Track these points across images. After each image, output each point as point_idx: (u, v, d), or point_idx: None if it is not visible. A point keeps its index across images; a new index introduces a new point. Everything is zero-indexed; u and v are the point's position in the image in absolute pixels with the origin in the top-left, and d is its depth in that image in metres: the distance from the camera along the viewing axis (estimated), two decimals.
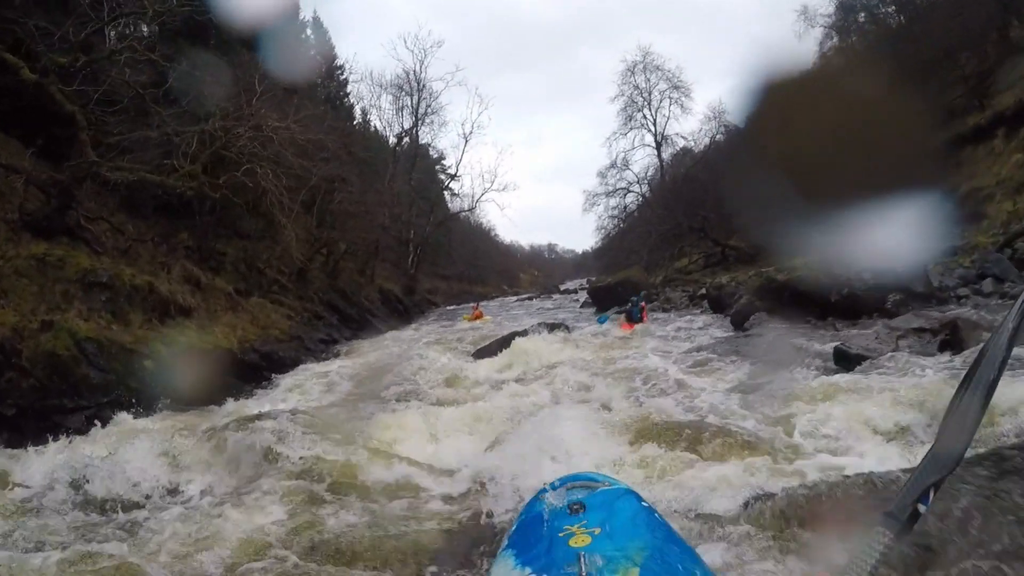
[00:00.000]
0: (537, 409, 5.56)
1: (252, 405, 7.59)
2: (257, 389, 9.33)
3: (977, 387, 0.82)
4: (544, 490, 1.54)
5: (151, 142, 10.98)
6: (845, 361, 6.05)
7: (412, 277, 30.03)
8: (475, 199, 36.26)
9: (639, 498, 1.47)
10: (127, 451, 4.50)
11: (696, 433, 4.15)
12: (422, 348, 13.00)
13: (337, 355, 14.00)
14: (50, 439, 6.49)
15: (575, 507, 1.35)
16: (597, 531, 1.22)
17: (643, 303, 14.71)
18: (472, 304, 27.07)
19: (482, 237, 59.96)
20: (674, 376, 6.45)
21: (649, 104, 39.81)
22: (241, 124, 11.14)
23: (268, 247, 17.85)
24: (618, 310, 17.73)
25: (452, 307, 32.98)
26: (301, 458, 4.33)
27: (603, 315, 17.85)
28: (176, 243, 14.36)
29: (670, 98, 39.03)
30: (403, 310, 25.44)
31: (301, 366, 11.86)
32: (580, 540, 1.19)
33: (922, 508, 0.82)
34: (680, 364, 7.65)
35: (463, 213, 41.05)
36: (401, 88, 32.01)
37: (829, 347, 6.74)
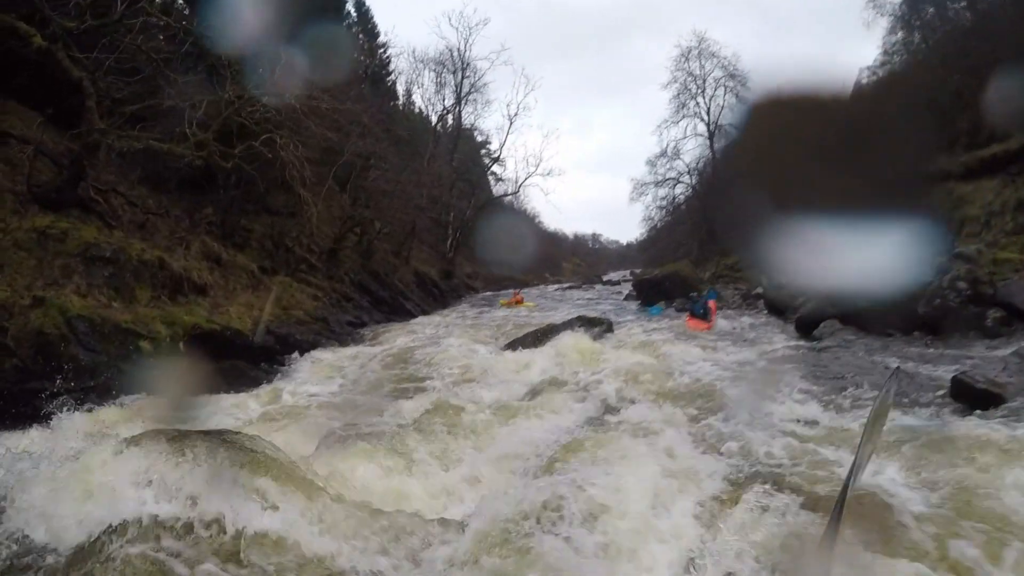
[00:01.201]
0: (561, 455, 3.98)
1: (230, 408, 6.72)
2: (250, 386, 8.45)
3: None
4: None
5: (168, 111, 10.24)
6: (970, 398, 4.66)
7: (450, 261, 29.16)
8: (518, 183, 35.05)
9: None
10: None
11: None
12: (449, 336, 12.09)
13: (361, 340, 13.22)
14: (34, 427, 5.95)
15: None
16: None
17: (711, 300, 12.91)
18: (513, 290, 26.18)
19: (526, 223, 58.66)
20: (750, 402, 5.13)
21: (703, 92, 37.50)
22: (260, 90, 10.29)
23: (298, 224, 17.19)
24: (678, 305, 16.38)
25: (491, 293, 32.09)
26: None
27: (656, 306, 16.14)
28: (200, 218, 13.82)
29: (725, 87, 36.64)
30: (439, 294, 24.65)
31: (319, 349, 11.05)
32: None
33: None
34: (755, 384, 6.15)
35: (506, 197, 39.87)
36: (443, 65, 30.83)
37: (939, 373, 5.38)
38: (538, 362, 8.12)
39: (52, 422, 5.67)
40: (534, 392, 6.13)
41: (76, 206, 10.31)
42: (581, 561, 2.40)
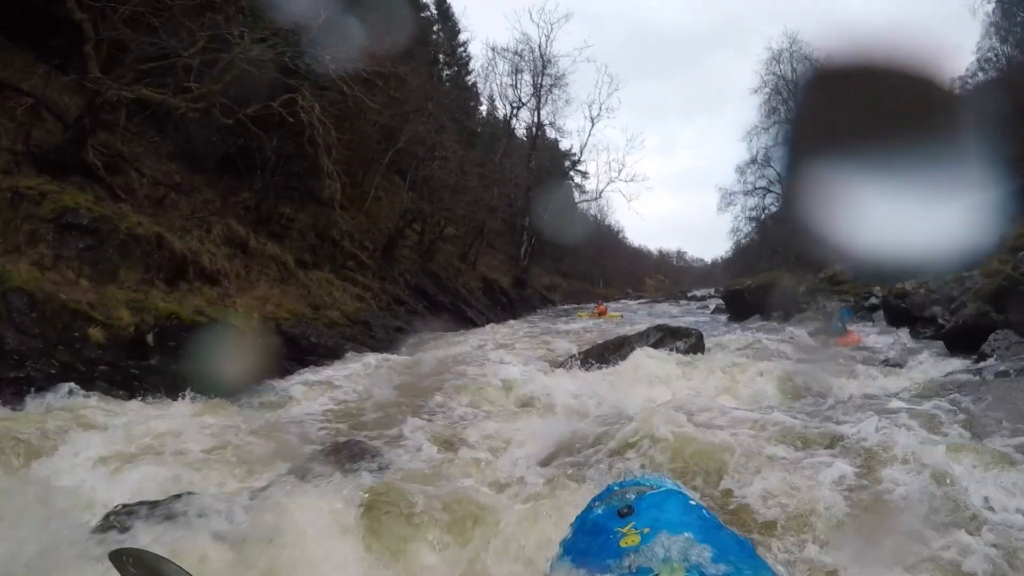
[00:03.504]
0: None
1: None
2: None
3: None
4: (595, 499, 1.53)
5: (186, 68, 8.70)
6: None
7: (524, 269, 26.90)
8: (599, 189, 32.43)
9: (687, 497, 1.47)
10: None
11: None
12: (499, 350, 9.82)
13: (398, 349, 11.19)
14: None
15: (624, 511, 1.37)
16: (647, 531, 1.26)
17: (843, 321, 10.30)
18: (595, 302, 23.85)
19: (609, 237, 55.90)
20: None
21: (795, 97, 33.90)
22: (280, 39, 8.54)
23: (353, 217, 15.61)
24: (778, 317, 13.45)
25: (570, 306, 29.70)
26: None
27: (845, 308, 12.58)
28: (235, 201, 12.40)
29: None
30: (508, 304, 22.47)
31: (348, 356, 9.05)
32: (630, 540, 1.25)
33: None
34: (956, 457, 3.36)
35: (586, 201, 37.27)
36: (520, 56, 28.74)
37: None
38: (599, 392, 5.62)
39: None
40: (560, 466, 3.57)
41: (79, 172, 8.95)
42: None
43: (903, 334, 9.84)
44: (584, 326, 16.68)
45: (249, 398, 6.39)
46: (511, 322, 19.16)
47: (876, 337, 10.11)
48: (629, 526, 1.29)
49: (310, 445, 4.28)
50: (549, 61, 27.90)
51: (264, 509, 2.60)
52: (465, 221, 19.46)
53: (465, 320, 17.08)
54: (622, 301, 35.32)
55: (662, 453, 3.26)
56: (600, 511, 1.43)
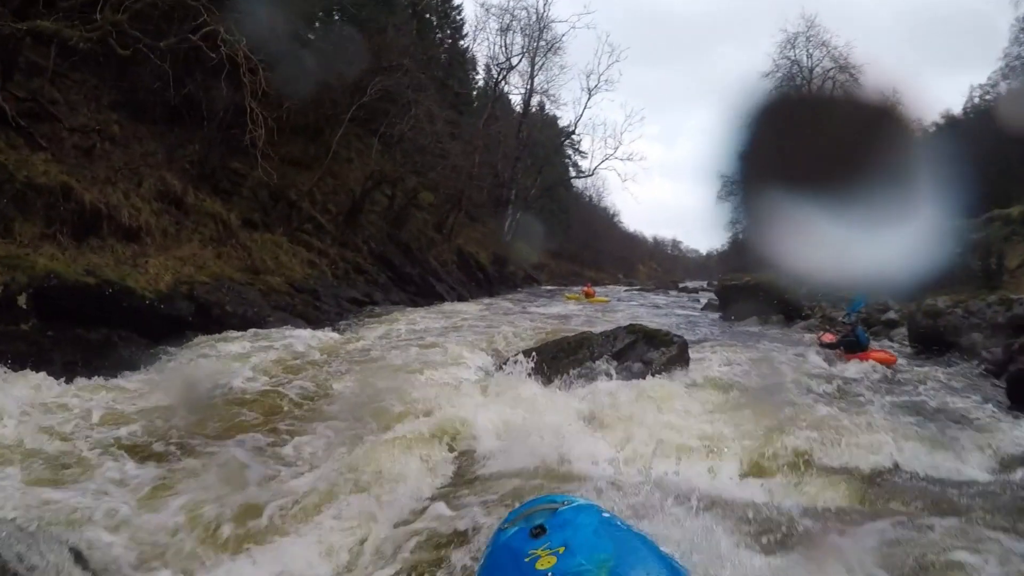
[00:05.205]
0: None
1: None
2: (118, 368, 5.66)
3: None
4: (506, 519, 1.52)
5: None
6: None
7: (506, 246, 25.90)
8: (592, 166, 31.21)
9: (599, 510, 1.44)
10: None
11: None
12: (447, 335, 8.90)
13: (345, 322, 10.30)
14: None
15: (536, 531, 1.34)
16: (561, 550, 1.23)
17: (857, 315, 8.30)
18: (582, 285, 22.83)
19: (603, 219, 54.70)
20: None
21: (810, 84, 32.45)
22: None
23: (318, 178, 14.56)
24: (776, 321, 12.33)
25: (554, 287, 28.75)
26: None
27: (859, 299, 9.98)
28: (182, 155, 11.35)
29: (834, 80, 31.31)
30: (484, 280, 21.54)
31: (269, 329, 7.95)
32: (546, 562, 1.21)
33: None
34: None
35: (580, 177, 35.93)
36: (512, 15, 27.00)
37: None
38: (499, 439, 4.04)
39: None
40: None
41: None
42: None
43: (939, 370, 7.25)
44: (562, 311, 15.78)
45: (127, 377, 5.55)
46: (485, 300, 18.19)
47: (903, 362, 7.83)
48: (543, 547, 1.27)
49: None
50: (546, 26, 26.39)
51: None
52: (442, 188, 18.38)
53: (433, 295, 16.18)
54: (610, 286, 34.40)
55: None
56: (512, 532, 1.41)
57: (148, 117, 11.60)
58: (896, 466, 3.73)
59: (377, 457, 3.55)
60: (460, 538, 2.71)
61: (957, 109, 25.66)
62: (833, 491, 3.42)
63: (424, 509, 3.08)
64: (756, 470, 3.73)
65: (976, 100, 25.18)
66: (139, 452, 3.78)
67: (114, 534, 2.69)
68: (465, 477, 3.62)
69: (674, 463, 3.76)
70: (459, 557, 2.56)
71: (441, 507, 3.03)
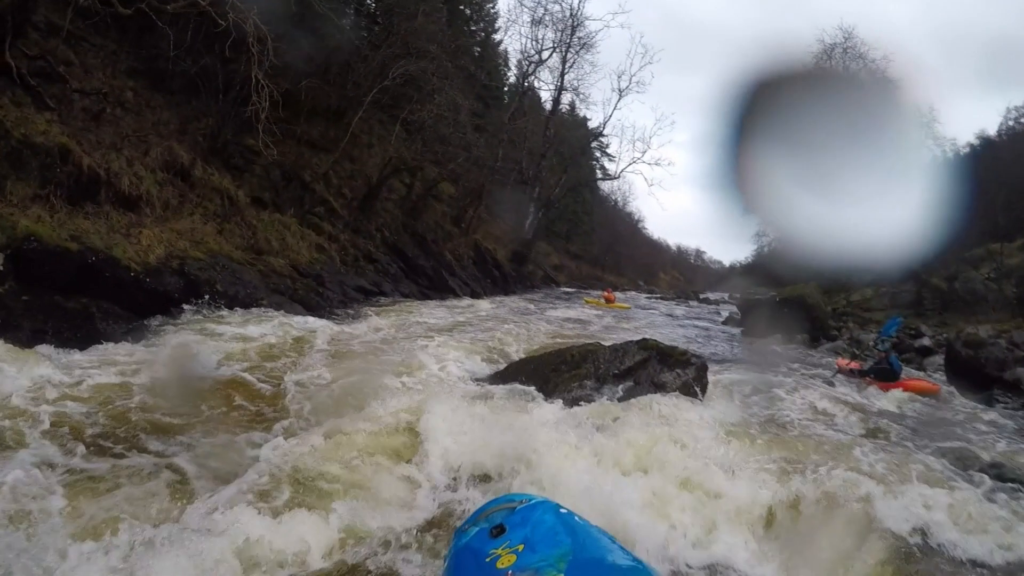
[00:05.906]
0: None
1: None
2: (93, 340, 5.34)
3: None
4: (466, 521, 1.52)
5: None
6: None
7: (527, 243, 25.33)
8: (619, 168, 30.46)
9: (557, 507, 1.44)
10: None
11: None
12: (445, 335, 8.39)
13: (346, 312, 9.90)
14: None
15: (496, 531, 1.34)
16: (521, 547, 1.25)
17: (889, 341, 7.80)
18: (605, 289, 22.15)
19: (627, 224, 53.86)
20: None
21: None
22: None
23: (334, 161, 14.21)
24: (801, 342, 11.59)
25: (572, 290, 28.15)
26: None
27: (897, 317, 9.75)
28: (195, 128, 11.06)
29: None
30: (500, 277, 21.05)
31: (260, 311, 7.58)
32: (506, 560, 1.22)
33: None
34: None
35: (607, 179, 35.17)
36: (545, 8, 26.24)
37: None
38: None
39: None
40: None
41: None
42: None
43: (985, 409, 6.56)
44: (580, 315, 15.21)
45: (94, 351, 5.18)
46: (500, 298, 17.69)
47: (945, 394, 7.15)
48: (503, 546, 1.29)
49: None
50: (580, 23, 25.73)
51: None
52: (463, 180, 17.94)
53: (445, 289, 15.76)
54: (630, 292, 33.66)
55: None
56: (472, 533, 1.43)
57: (166, 87, 11.35)
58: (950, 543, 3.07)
59: (329, 459, 3.15)
60: (418, 542, 2.66)
61: (992, 130, 24.71)
62: None
63: (378, 516, 2.85)
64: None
65: (1011, 123, 24.10)
66: (84, 436, 3.40)
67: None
68: (424, 487, 3.18)
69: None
70: (418, 560, 2.53)
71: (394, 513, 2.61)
